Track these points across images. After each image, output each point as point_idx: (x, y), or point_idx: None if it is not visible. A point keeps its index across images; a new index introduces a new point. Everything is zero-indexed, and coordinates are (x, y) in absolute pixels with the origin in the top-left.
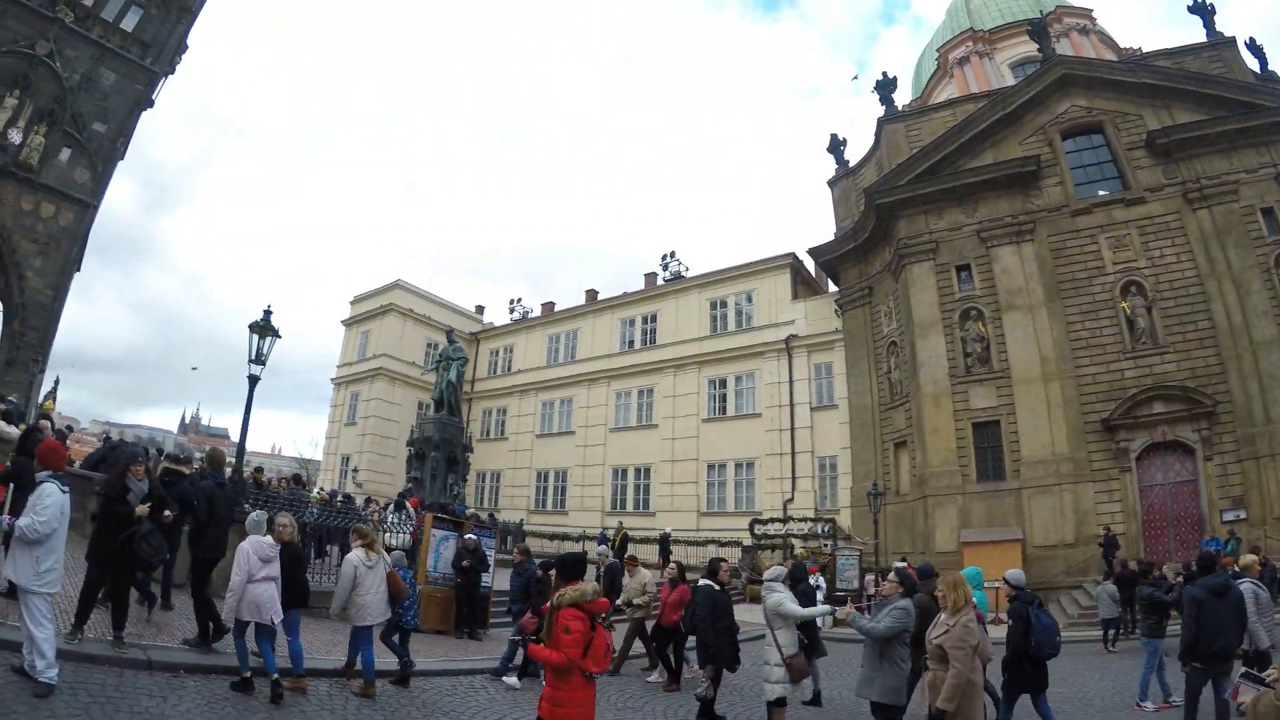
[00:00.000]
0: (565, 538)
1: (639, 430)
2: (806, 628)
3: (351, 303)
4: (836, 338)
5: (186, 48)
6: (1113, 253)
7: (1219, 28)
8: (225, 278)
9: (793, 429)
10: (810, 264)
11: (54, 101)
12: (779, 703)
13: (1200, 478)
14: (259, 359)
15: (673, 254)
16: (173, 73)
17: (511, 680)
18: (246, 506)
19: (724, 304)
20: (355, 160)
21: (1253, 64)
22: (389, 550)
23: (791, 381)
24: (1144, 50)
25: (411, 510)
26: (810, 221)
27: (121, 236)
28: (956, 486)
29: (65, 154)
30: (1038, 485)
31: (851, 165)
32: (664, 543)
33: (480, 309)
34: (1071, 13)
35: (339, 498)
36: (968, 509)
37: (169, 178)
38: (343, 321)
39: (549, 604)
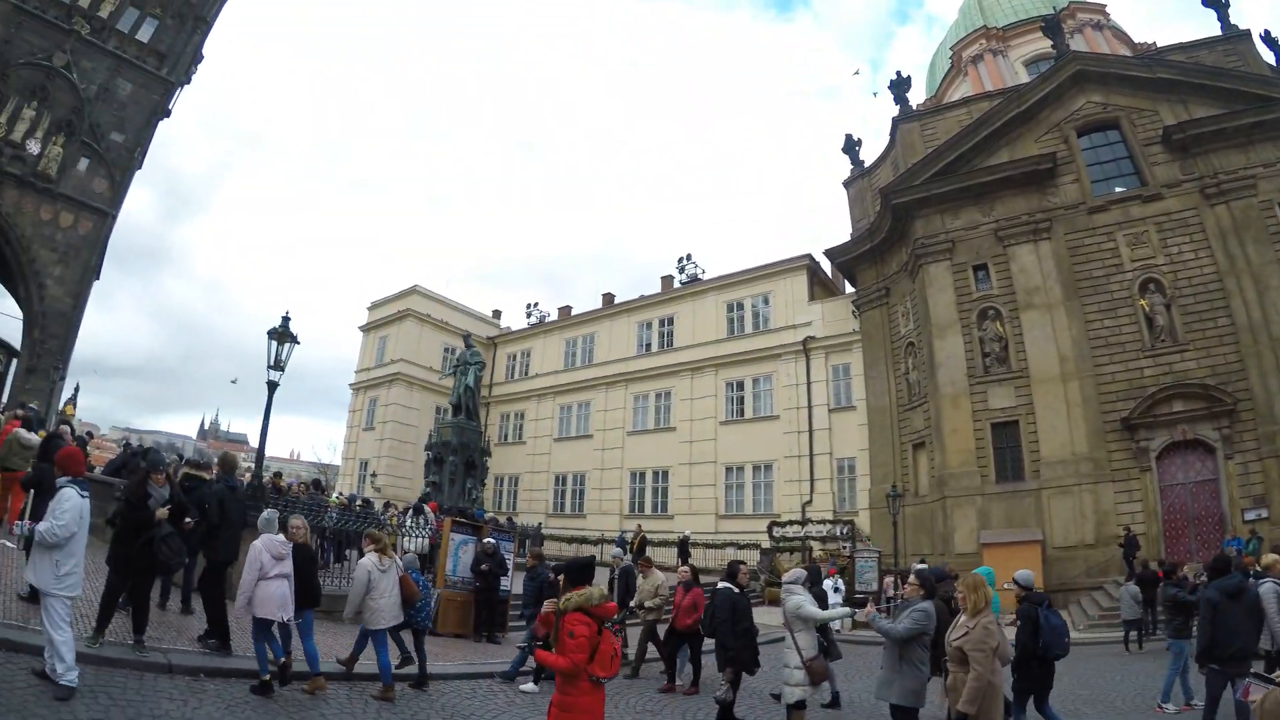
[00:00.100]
0: (583, 541)
1: (657, 433)
2: (821, 630)
3: (369, 308)
4: (854, 339)
5: (202, 58)
6: (1130, 250)
7: (1233, 20)
8: (244, 285)
9: (811, 431)
10: (827, 265)
11: (72, 112)
12: (798, 705)
13: (1221, 476)
14: (278, 365)
15: (689, 257)
16: (189, 82)
17: (528, 685)
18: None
19: (741, 306)
20: (374, 172)
21: (1268, 57)
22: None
23: (809, 383)
24: (1158, 45)
25: (430, 514)
26: (826, 222)
27: (141, 245)
28: (975, 487)
29: (83, 164)
30: (1057, 486)
31: (867, 165)
32: (683, 545)
33: (497, 313)
34: (1085, 8)
35: (358, 502)
36: (987, 510)
37: (188, 187)
38: (360, 327)
39: (555, 608)
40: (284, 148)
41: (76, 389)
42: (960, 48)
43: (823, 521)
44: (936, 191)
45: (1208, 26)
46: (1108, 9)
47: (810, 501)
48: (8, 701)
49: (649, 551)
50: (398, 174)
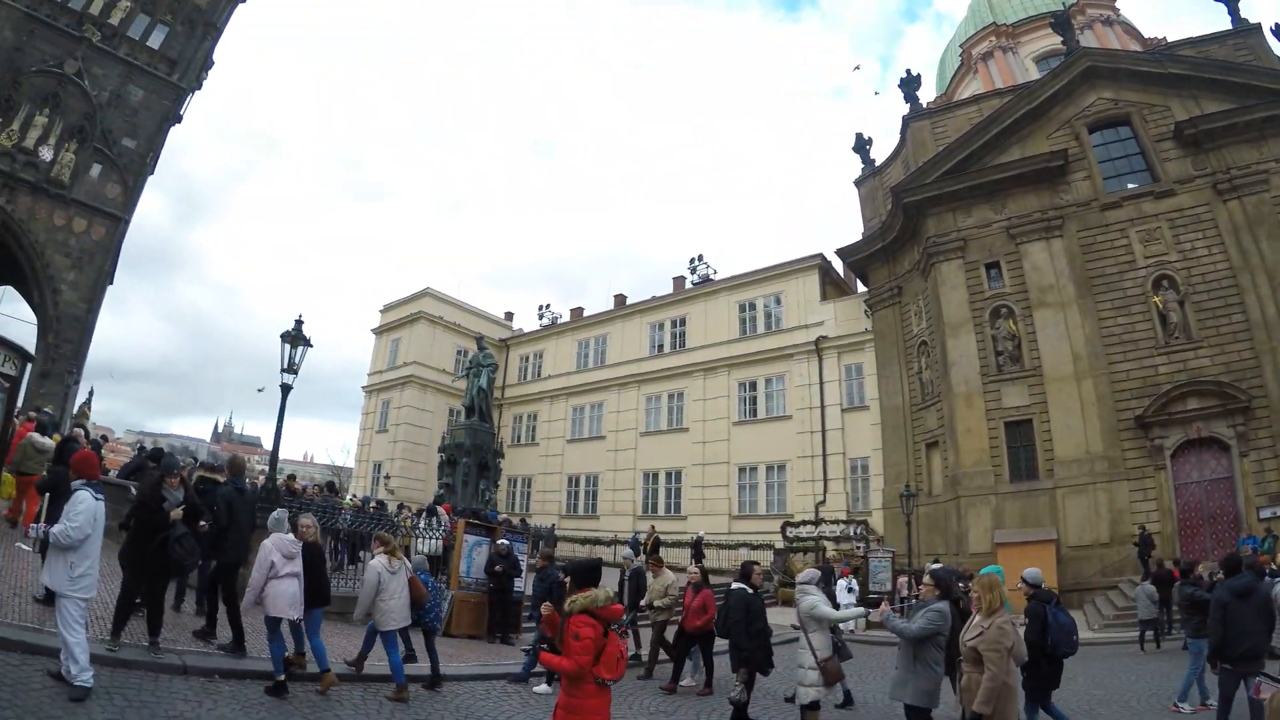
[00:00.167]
0: (596, 542)
1: (669, 434)
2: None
3: (381, 311)
4: (866, 338)
5: (213, 63)
6: (1143, 247)
7: (1244, 14)
8: (257, 289)
9: (824, 431)
10: (839, 264)
11: (84, 119)
12: (813, 706)
13: (1236, 474)
14: (291, 368)
15: (700, 257)
16: (199, 88)
17: (541, 686)
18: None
19: (753, 306)
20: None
21: (1279, 50)
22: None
23: (822, 383)
24: (1169, 40)
25: (444, 516)
26: (837, 222)
27: (154, 250)
28: (989, 487)
29: (96, 170)
30: (1071, 484)
31: (878, 164)
32: (697, 546)
33: (509, 315)
34: (1094, 4)
35: (371, 504)
36: (1001, 509)
37: (200, 192)
38: (373, 330)
39: (562, 610)
40: (295, 152)
41: (91, 393)
42: (970, 45)
43: (836, 522)
44: (948, 190)
45: (1218, 21)
46: (1117, 4)
47: (824, 502)
48: (24, 703)
49: (662, 553)
50: (408, 177)
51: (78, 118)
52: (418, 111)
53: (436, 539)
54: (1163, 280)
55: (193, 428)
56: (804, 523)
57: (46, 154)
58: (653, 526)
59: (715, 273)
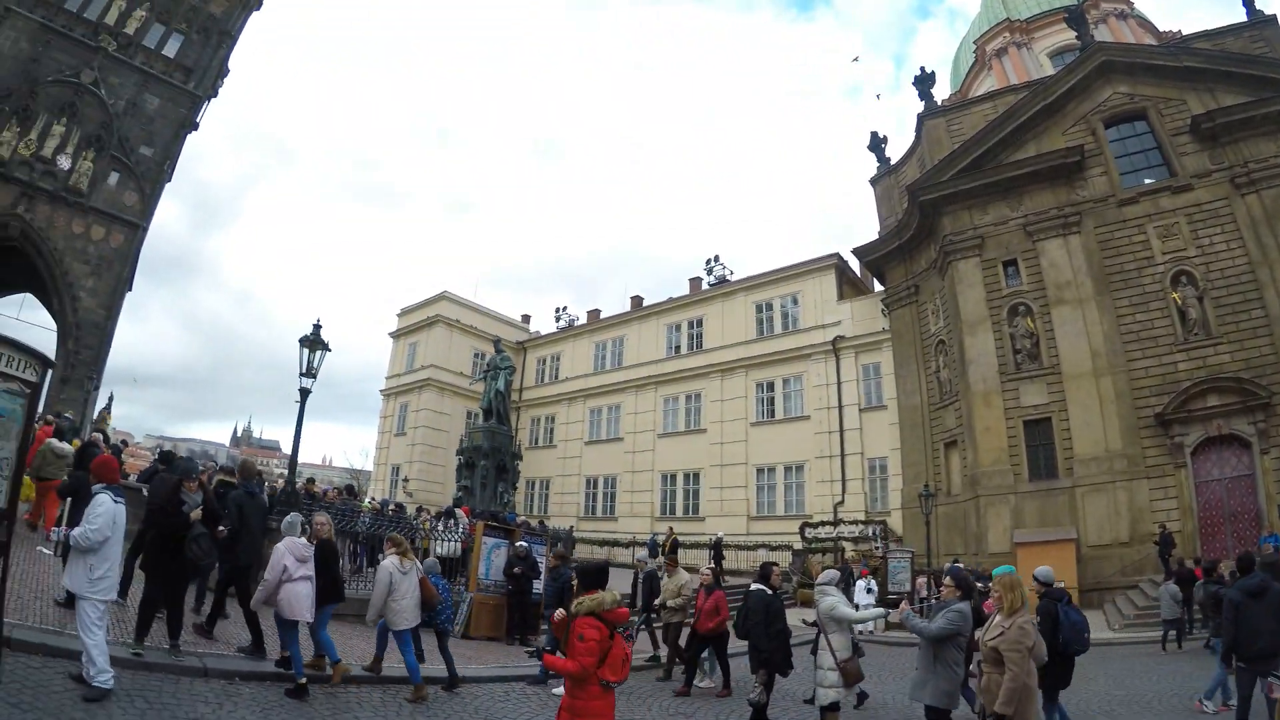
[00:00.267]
0: (615, 544)
1: (687, 435)
2: None
3: (399, 315)
4: (884, 338)
5: (228, 71)
6: (1161, 242)
7: (1259, 6)
8: (274, 294)
9: (842, 431)
10: (855, 264)
11: (101, 127)
12: (832, 707)
13: (1257, 472)
14: (309, 372)
15: (716, 258)
16: (215, 96)
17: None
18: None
19: (769, 306)
20: (399, 179)
21: None
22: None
23: (839, 383)
24: (1184, 33)
25: (463, 518)
26: (854, 221)
27: (171, 256)
28: (1008, 486)
29: (114, 178)
30: (1091, 483)
31: (893, 163)
32: (716, 548)
33: (526, 318)
34: None
35: (390, 507)
36: (1020, 509)
37: (216, 198)
38: (390, 334)
39: (569, 612)
40: (308, 158)
41: (111, 398)
42: (984, 41)
43: (855, 522)
44: (964, 187)
45: (1233, 13)
46: None
47: (842, 502)
48: (45, 705)
49: (680, 554)
50: (416, 179)
51: (95, 126)
52: (418, 111)
53: (455, 541)
54: (1181, 276)
55: (212, 432)
56: (822, 523)
57: (64, 162)
58: (671, 528)
59: (731, 273)
